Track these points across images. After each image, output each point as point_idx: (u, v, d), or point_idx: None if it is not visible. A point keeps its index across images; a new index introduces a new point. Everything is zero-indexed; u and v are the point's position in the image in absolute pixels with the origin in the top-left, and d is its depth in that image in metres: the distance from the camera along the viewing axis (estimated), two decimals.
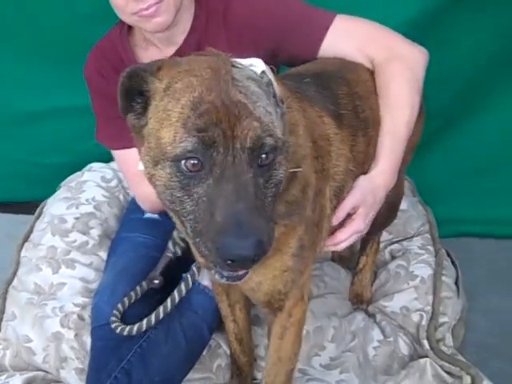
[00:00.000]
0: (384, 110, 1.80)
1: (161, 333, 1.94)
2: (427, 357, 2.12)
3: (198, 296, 2.03)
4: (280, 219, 1.41)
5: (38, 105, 2.98)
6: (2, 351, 2.15)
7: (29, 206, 3.02)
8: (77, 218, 2.53)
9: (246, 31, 1.91)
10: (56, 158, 3.13)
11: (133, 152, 1.43)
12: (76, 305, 2.21)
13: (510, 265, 2.92)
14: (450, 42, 2.69)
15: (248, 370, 2.11)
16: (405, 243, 2.62)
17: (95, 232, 2.51)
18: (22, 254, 2.48)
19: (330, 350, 2.18)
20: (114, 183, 2.78)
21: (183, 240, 1.84)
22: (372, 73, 1.88)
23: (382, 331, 2.25)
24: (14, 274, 2.39)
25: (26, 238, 2.56)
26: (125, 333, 1.86)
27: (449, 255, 2.61)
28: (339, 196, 1.65)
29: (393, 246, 2.63)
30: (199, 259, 1.45)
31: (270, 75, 1.29)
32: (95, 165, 2.89)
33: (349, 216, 1.68)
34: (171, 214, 1.35)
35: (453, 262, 2.57)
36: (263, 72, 1.27)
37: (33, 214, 2.76)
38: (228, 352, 2.15)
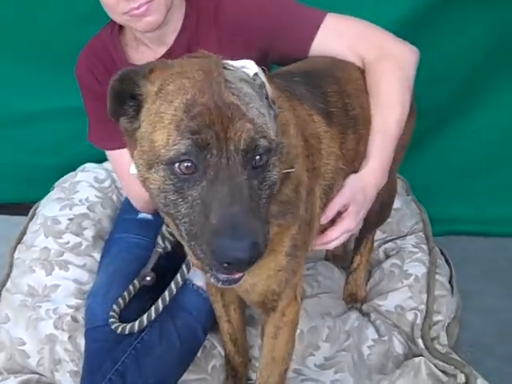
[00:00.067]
0: (374, 108, 1.80)
1: (155, 334, 1.94)
2: (422, 356, 2.11)
3: (191, 297, 2.03)
4: (274, 219, 1.41)
5: (32, 106, 2.98)
6: None
7: (23, 207, 3.02)
8: (70, 219, 2.52)
9: (237, 30, 1.90)
10: (50, 159, 3.13)
11: (126, 152, 1.42)
12: (70, 306, 2.20)
13: (504, 263, 2.94)
14: (442, 41, 2.71)
15: (243, 371, 2.11)
16: (399, 242, 2.62)
17: (89, 233, 2.50)
18: (16, 255, 2.47)
19: (324, 349, 2.18)
20: (107, 183, 2.77)
21: (172, 234, 1.84)
22: (363, 71, 1.88)
23: (377, 330, 2.25)
24: (8, 276, 2.38)
25: (20, 240, 2.55)
26: (126, 331, 1.86)
27: (442, 254, 2.61)
28: (328, 194, 1.65)
29: (387, 245, 2.64)
30: (194, 261, 1.44)
31: (263, 77, 1.29)
32: (88, 165, 2.88)
33: (339, 215, 1.68)
34: (165, 217, 1.34)
35: (446, 261, 2.58)
36: (256, 74, 1.27)
37: (27, 215, 2.75)
38: (223, 353, 2.14)
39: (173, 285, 1.90)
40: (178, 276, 1.90)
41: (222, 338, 2.08)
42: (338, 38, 1.88)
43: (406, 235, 2.65)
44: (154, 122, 1.18)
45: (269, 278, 1.53)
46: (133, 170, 1.32)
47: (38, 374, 2.11)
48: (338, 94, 1.75)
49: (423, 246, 2.56)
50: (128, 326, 1.87)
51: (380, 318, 2.30)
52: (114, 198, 2.73)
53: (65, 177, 2.85)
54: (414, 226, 2.69)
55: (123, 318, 1.92)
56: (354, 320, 2.29)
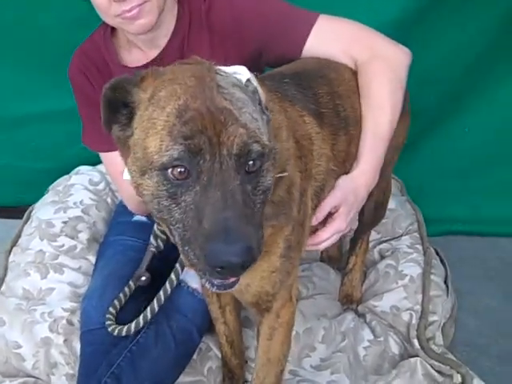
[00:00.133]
0: (366, 109, 1.81)
1: (150, 337, 1.93)
2: (417, 356, 2.12)
3: (186, 299, 2.03)
4: (267, 220, 1.41)
5: (26, 109, 2.98)
6: None
7: (18, 210, 3.01)
8: (65, 222, 2.52)
9: (230, 33, 1.90)
10: (45, 161, 3.13)
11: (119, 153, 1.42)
12: (65, 310, 2.19)
13: (499, 263, 2.95)
14: (434, 42, 2.72)
15: (239, 373, 2.10)
16: (393, 242, 2.62)
17: (83, 236, 2.50)
18: (10, 259, 2.46)
19: (320, 350, 2.18)
20: (101, 186, 2.77)
21: (164, 232, 1.84)
22: (355, 72, 1.88)
23: (373, 331, 2.25)
24: (2, 279, 2.37)
25: (14, 243, 2.54)
26: (123, 333, 1.86)
27: (437, 254, 2.62)
28: (320, 195, 1.65)
29: (382, 246, 2.64)
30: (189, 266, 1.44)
31: (255, 82, 1.29)
32: (83, 168, 2.88)
33: (330, 215, 1.68)
34: (160, 222, 1.34)
35: (442, 261, 2.58)
36: (248, 80, 1.27)
37: (22, 218, 2.74)
38: (219, 355, 2.14)
39: (167, 284, 1.89)
40: (173, 275, 1.89)
41: (218, 339, 2.08)
42: (331, 39, 1.88)
43: (400, 236, 2.66)
44: (146, 129, 1.18)
45: (262, 279, 1.53)
46: (126, 175, 1.32)
47: (33, 377, 2.10)
48: (329, 95, 1.75)
49: (418, 246, 2.57)
50: (124, 328, 1.87)
51: (375, 318, 2.30)
52: (109, 200, 2.73)
53: (59, 180, 2.85)
54: (408, 227, 2.69)
55: (119, 320, 1.92)
56: (350, 321, 2.29)
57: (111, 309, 1.92)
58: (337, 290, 2.49)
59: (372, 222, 2.33)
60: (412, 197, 2.90)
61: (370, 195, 1.86)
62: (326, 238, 1.69)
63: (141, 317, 1.89)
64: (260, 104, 1.27)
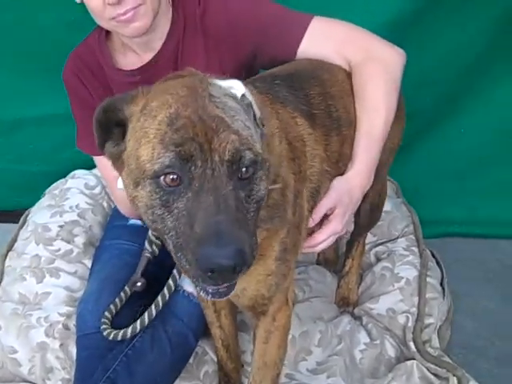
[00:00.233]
0: (360, 111, 1.81)
1: (146, 341, 1.93)
2: (414, 359, 2.12)
3: (182, 303, 2.02)
4: (262, 223, 1.41)
5: (22, 113, 2.97)
6: None
7: (14, 214, 3.01)
8: (61, 226, 2.52)
9: (225, 36, 1.91)
10: (40, 165, 3.12)
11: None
12: (61, 314, 2.19)
13: (496, 265, 2.94)
14: (430, 43, 2.72)
15: (236, 377, 2.10)
16: (389, 245, 2.62)
17: (79, 240, 2.49)
18: (6, 263, 2.46)
19: (316, 354, 2.18)
20: (97, 190, 2.77)
21: (158, 238, 1.84)
22: (349, 74, 1.88)
23: (369, 334, 2.25)
24: None
25: (10, 247, 2.54)
26: (118, 338, 1.85)
27: (434, 256, 2.62)
28: (316, 197, 1.66)
29: (378, 248, 2.64)
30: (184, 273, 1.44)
31: (250, 97, 1.29)
32: (79, 172, 2.88)
33: (326, 217, 1.68)
34: (155, 233, 1.34)
35: (438, 263, 2.58)
36: (243, 95, 1.27)
37: (18, 222, 2.74)
38: (215, 359, 2.13)
39: (165, 290, 1.89)
40: (170, 281, 1.89)
41: (213, 343, 2.08)
42: (325, 41, 1.88)
43: (396, 238, 2.66)
44: (139, 138, 1.18)
45: (258, 283, 1.53)
46: (120, 184, 1.32)
47: (29, 382, 2.10)
48: (321, 96, 1.75)
49: (414, 248, 2.57)
50: (120, 333, 1.86)
51: (372, 321, 2.30)
52: (105, 204, 2.73)
53: (55, 184, 2.84)
54: (404, 229, 2.69)
55: (114, 325, 1.92)
56: (346, 324, 2.29)
57: (107, 313, 1.91)
58: (333, 293, 2.49)
59: (368, 224, 2.33)
60: (408, 199, 2.90)
61: (366, 197, 1.87)
62: (323, 239, 1.69)
63: (138, 322, 1.88)
64: (255, 118, 1.27)
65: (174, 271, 1.89)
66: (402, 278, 2.39)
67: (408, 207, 2.84)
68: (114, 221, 2.42)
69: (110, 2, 1.70)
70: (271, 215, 1.44)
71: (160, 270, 1.95)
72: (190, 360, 2.10)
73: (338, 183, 1.71)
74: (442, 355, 2.14)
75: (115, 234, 2.30)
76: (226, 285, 1.18)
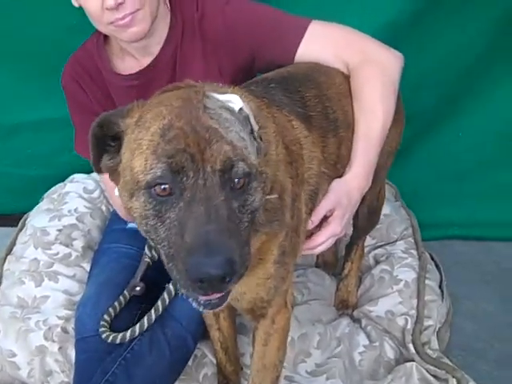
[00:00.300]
0: (358, 113, 1.82)
1: (145, 344, 1.92)
2: (413, 361, 2.12)
3: (181, 306, 2.01)
4: (261, 227, 1.41)
5: (20, 117, 2.97)
6: None
7: (12, 218, 3.00)
8: (59, 230, 2.52)
9: (223, 41, 1.91)
10: (39, 169, 3.11)
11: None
12: (60, 318, 2.19)
13: (495, 267, 2.94)
14: (431, 45, 2.71)
15: (235, 379, 2.10)
16: (388, 248, 2.62)
17: (78, 244, 2.49)
18: (5, 267, 2.46)
19: (315, 356, 2.18)
20: (96, 194, 2.76)
21: None
22: (347, 77, 1.88)
23: (368, 336, 2.25)
24: None
25: (9, 251, 2.54)
26: (117, 341, 1.85)
27: (432, 259, 2.62)
28: (314, 199, 1.66)
29: (376, 251, 2.64)
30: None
31: (248, 111, 1.29)
32: (77, 176, 2.87)
33: (325, 219, 1.69)
34: (152, 243, 1.34)
35: (436, 266, 2.58)
36: (241, 109, 1.27)
37: (17, 226, 2.73)
38: (214, 361, 2.13)
39: (165, 295, 1.89)
40: (171, 286, 1.89)
41: (213, 346, 2.07)
42: (323, 44, 1.89)
43: (395, 241, 2.66)
44: (133, 150, 1.19)
45: (257, 286, 1.54)
46: (117, 192, 1.32)
47: None
48: (317, 98, 1.75)
49: (413, 251, 2.57)
50: (119, 336, 1.86)
51: (371, 323, 2.30)
52: (103, 208, 2.73)
53: (54, 187, 2.84)
54: (403, 232, 2.70)
55: (112, 328, 1.91)
56: (345, 326, 2.29)
57: (106, 316, 1.91)
58: (332, 296, 2.49)
59: (366, 227, 2.33)
60: (406, 201, 2.90)
61: (364, 200, 1.87)
62: (322, 241, 1.70)
63: (137, 326, 1.88)
64: (252, 132, 1.27)
65: None
66: (401, 280, 2.39)
67: (407, 210, 2.84)
68: (112, 224, 2.42)
69: (108, 7, 1.71)
70: (270, 219, 1.44)
71: (159, 274, 1.92)
72: (189, 363, 2.10)
73: (337, 185, 1.71)
74: (441, 357, 2.15)
75: (114, 237, 2.30)
76: (218, 295, 1.18)
